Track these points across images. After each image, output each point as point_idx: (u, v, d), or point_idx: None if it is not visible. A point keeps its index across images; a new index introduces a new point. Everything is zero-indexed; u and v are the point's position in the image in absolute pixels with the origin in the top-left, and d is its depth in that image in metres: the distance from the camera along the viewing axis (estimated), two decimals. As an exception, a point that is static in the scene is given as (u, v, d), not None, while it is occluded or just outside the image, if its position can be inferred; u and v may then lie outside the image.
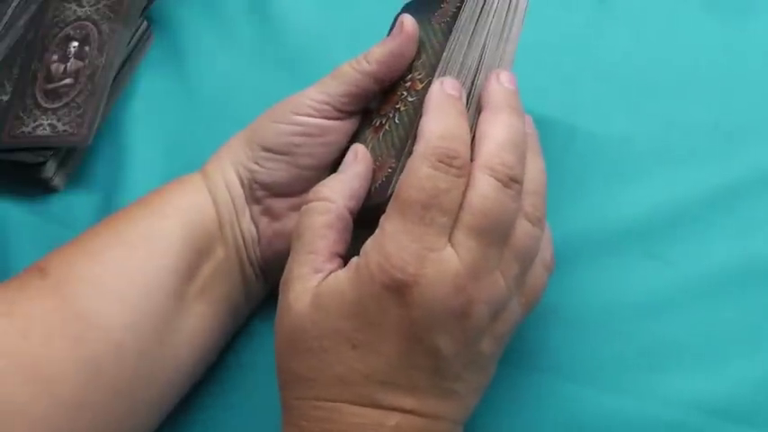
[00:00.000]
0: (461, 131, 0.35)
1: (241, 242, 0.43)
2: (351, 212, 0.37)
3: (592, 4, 0.52)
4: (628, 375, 0.42)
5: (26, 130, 0.51)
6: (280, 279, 0.42)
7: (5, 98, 0.54)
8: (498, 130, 0.35)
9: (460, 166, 0.34)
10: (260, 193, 0.43)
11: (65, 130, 0.51)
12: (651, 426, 0.41)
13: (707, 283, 0.44)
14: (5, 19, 0.57)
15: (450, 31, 0.39)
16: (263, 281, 0.44)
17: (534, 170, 0.37)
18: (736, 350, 0.42)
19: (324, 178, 0.39)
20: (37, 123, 0.52)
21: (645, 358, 0.42)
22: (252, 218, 0.43)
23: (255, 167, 0.42)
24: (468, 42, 0.38)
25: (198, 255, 0.41)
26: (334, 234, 0.36)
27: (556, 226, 0.45)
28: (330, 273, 0.35)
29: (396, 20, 0.42)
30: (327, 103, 0.42)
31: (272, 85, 0.53)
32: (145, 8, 0.55)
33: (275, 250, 0.43)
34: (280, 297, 0.36)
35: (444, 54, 0.38)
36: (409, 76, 0.41)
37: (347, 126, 0.42)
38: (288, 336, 0.35)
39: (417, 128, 0.36)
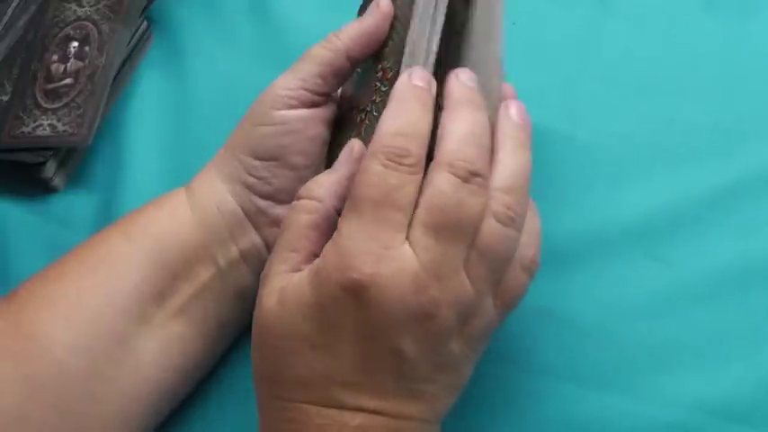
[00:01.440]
0: (418, 128, 0.34)
1: (238, 259, 0.42)
2: (338, 213, 0.36)
3: (592, 3, 0.52)
4: (628, 375, 0.42)
5: (26, 130, 0.51)
6: None
7: (5, 98, 0.54)
8: (457, 124, 0.34)
9: (412, 164, 0.33)
10: (263, 203, 0.42)
11: (65, 131, 0.51)
12: (651, 426, 0.41)
13: (707, 283, 0.44)
14: (5, 19, 0.57)
15: (409, 16, 0.38)
16: None
17: (511, 165, 0.35)
18: (736, 350, 0.42)
19: (316, 172, 0.39)
20: (37, 123, 0.51)
21: (645, 358, 0.42)
22: (258, 231, 0.42)
23: (251, 180, 0.41)
24: (430, 29, 0.37)
25: (171, 278, 0.41)
26: (317, 235, 0.36)
27: (556, 226, 0.45)
28: None
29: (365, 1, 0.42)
30: (303, 89, 0.40)
31: (272, 85, 0.53)
32: (145, 8, 0.55)
33: None
34: (259, 291, 0.36)
35: (408, 40, 0.37)
36: (379, 65, 0.40)
37: (326, 113, 0.42)
38: (258, 332, 0.35)
39: None
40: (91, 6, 0.55)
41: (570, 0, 0.53)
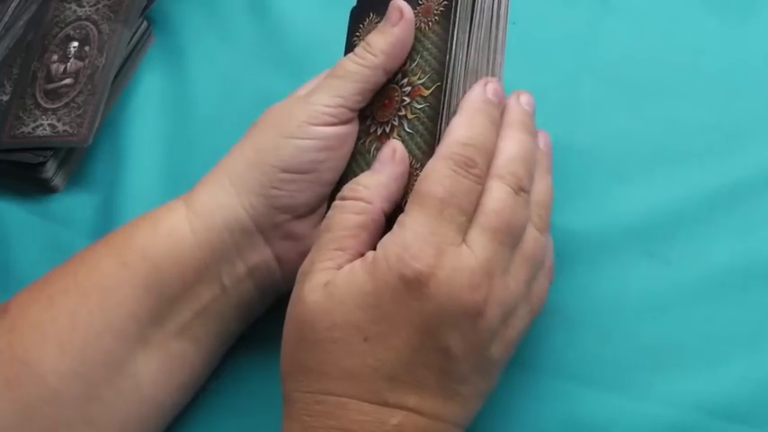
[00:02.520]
0: (487, 142, 0.36)
1: (246, 276, 0.41)
2: (385, 215, 0.37)
3: (592, 3, 0.52)
4: (628, 375, 0.42)
5: (26, 130, 0.52)
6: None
7: (5, 98, 0.54)
8: (513, 144, 0.37)
9: (478, 174, 0.35)
10: (281, 217, 0.40)
11: (65, 131, 0.51)
12: (651, 426, 0.41)
13: (707, 283, 0.44)
14: (5, 19, 0.57)
15: (445, 32, 0.39)
16: (269, 302, 0.43)
17: (542, 185, 0.39)
18: (736, 350, 0.42)
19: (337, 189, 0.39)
20: (37, 123, 0.52)
21: (645, 358, 0.42)
22: (270, 245, 0.41)
23: (274, 192, 0.40)
24: (468, 43, 0.38)
25: (169, 302, 0.40)
26: (365, 235, 0.36)
27: (556, 226, 0.45)
28: None
29: (386, 7, 0.41)
30: (343, 107, 0.40)
31: (272, 85, 0.53)
32: (145, 8, 0.55)
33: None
34: (294, 288, 0.36)
35: (449, 56, 0.38)
36: (405, 80, 0.40)
37: (356, 128, 0.42)
38: (298, 327, 0.35)
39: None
40: (91, 6, 0.55)
41: (570, 0, 0.53)
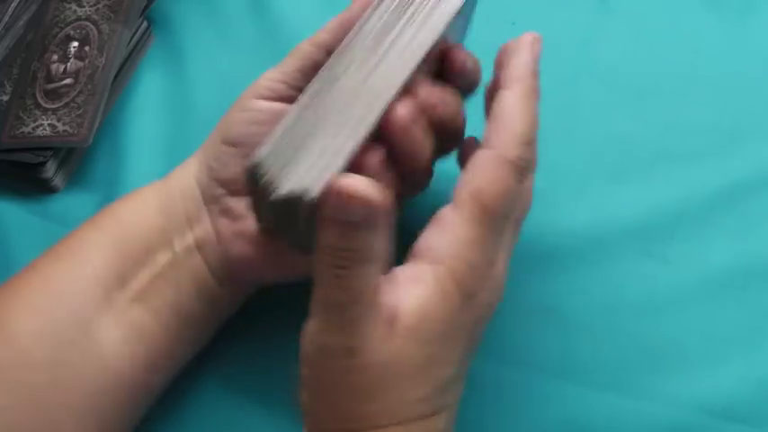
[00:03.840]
0: (536, 130, 0.35)
1: (194, 248, 0.41)
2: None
3: (592, 3, 0.52)
4: (628, 375, 0.42)
5: (26, 130, 0.51)
6: (245, 285, 0.42)
7: (5, 98, 0.54)
8: (525, 119, 0.35)
9: (528, 175, 0.36)
10: (218, 191, 0.41)
11: (65, 130, 0.51)
12: (651, 426, 0.41)
13: (707, 282, 0.44)
14: (5, 19, 0.57)
15: None
16: (230, 287, 0.42)
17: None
18: (736, 350, 0.42)
19: None
20: (37, 123, 0.52)
21: (645, 358, 0.42)
22: (211, 219, 0.42)
23: (214, 164, 0.41)
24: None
25: (132, 263, 0.40)
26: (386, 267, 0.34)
27: (555, 225, 0.45)
28: (398, 299, 0.33)
29: None
30: (282, 81, 0.41)
31: (272, 84, 0.53)
32: (145, 8, 0.55)
33: (236, 253, 0.41)
34: (334, 362, 0.33)
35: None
36: None
37: None
38: (367, 390, 0.33)
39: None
40: (91, 6, 0.55)
41: (570, 0, 0.53)
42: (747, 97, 0.48)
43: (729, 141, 0.47)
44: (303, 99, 0.36)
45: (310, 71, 0.40)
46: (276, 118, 0.39)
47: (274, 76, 0.41)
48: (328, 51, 0.40)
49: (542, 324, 0.44)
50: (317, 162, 0.35)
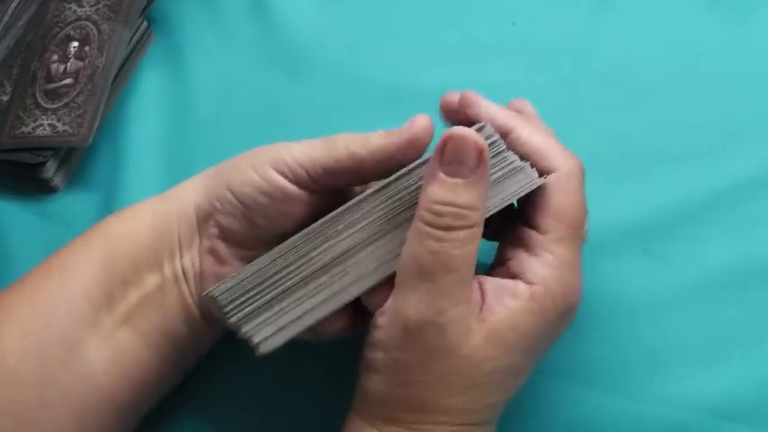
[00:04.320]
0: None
1: (181, 274, 0.41)
2: None
3: (592, 3, 0.52)
4: (628, 375, 0.42)
5: (26, 130, 0.51)
6: (219, 323, 0.40)
7: (5, 98, 0.54)
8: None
9: None
10: (213, 230, 0.40)
11: (65, 130, 0.51)
12: (651, 426, 0.41)
13: (707, 282, 0.44)
14: (5, 19, 0.57)
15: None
16: (211, 321, 0.41)
17: None
18: (736, 350, 0.42)
19: (276, 243, 0.37)
20: (37, 123, 0.51)
21: (645, 358, 0.42)
22: (198, 253, 0.40)
23: (216, 204, 0.39)
24: None
25: (121, 283, 0.40)
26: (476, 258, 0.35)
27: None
28: (485, 304, 0.35)
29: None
30: (304, 168, 0.38)
31: (272, 85, 0.53)
32: (145, 8, 0.55)
33: None
34: (419, 335, 0.33)
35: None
36: None
37: (314, 202, 0.39)
38: (449, 376, 0.34)
39: None
40: (91, 6, 0.55)
41: (570, 0, 0.53)
42: (748, 97, 0.48)
43: (729, 141, 0.47)
44: (286, 243, 0.36)
45: (332, 175, 0.38)
46: (288, 200, 0.38)
47: (300, 158, 0.38)
48: (361, 168, 0.37)
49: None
50: (281, 316, 0.36)
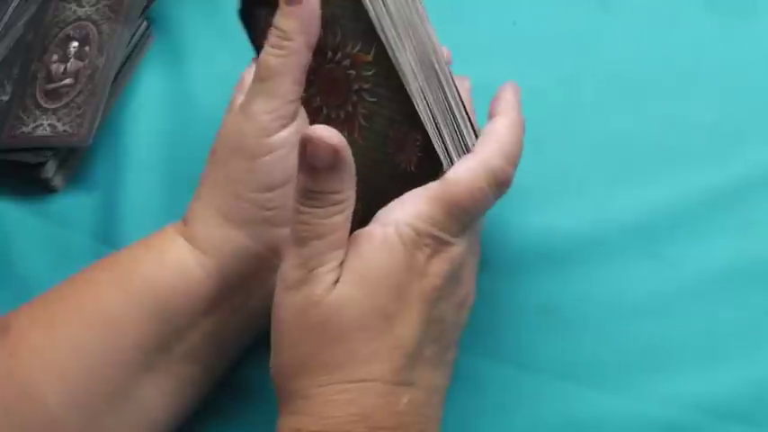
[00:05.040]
0: (519, 156, 0.37)
1: (257, 299, 0.40)
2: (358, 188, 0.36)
3: (592, 3, 0.52)
4: (628, 375, 0.42)
5: (26, 130, 0.51)
6: None
7: (5, 98, 0.54)
8: (512, 140, 0.37)
9: (505, 191, 0.37)
10: (284, 232, 0.38)
11: (65, 131, 0.51)
12: (651, 426, 0.41)
13: (707, 283, 0.44)
14: (5, 19, 0.57)
15: None
16: None
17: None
18: (736, 350, 0.42)
19: None
20: (37, 123, 0.52)
21: (645, 358, 0.42)
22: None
23: (269, 214, 0.39)
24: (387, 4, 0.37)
25: (175, 331, 0.39)
26: (349, 224, 0.35)
27: (555, 225, 0.45)
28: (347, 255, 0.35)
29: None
30: (285, 103, 0.39)
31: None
32: (145, 8, 0.55)
33: None
34: (294, 297, 0.35)
35: (372, 14, 0.36)
36: (338, 55, 0.38)
37: (305, 121, 0.40)
38: (317, 329, 0.34)
39: (412, 100, 0.37)
40: (91, 6, 0.55)
41: (570, 0, 0.53)
42: (748, 97, 0.48)
43: (729, 141, 0.47)
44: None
45: (303, 76, 0.39)
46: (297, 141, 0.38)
47: (272, 105, 0.38)
48: (308, 49, 0.38)
49: (542, 324, 0.44)
50: None
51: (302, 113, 0.40)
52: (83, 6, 0.55)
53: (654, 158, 0.47)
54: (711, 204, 0.45)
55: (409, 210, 0.35)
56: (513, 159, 0.37)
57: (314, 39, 0.38)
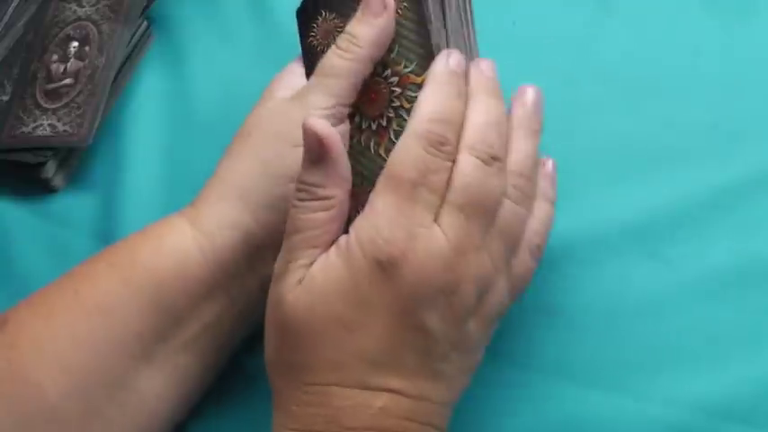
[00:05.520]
0: (455, 114, 0.35)
1: (256, 288, 0.41)
2: (350, 195, 0.36)
3: (592, 3, 0.52)
4: (628, 375, 0.42)
5: (26, 130, 0.52)
6: None
7: (5, 98, 0.54)
8: (478, 112, 0.36)
9: (449, 151, 0.35)
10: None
11: (65, 131, 0.51)
12: (651, 426, 0.41)
13: (707, 283, 0.44)
14: (5, 19, 0.57)
15: (422, 19, 0.38)
16: None
17: (521, 150, 0.37)
18: (736, 350, 0.42)
19: None
20: (37, 123, 0.52)
21: (645, 358, 0.42)
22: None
23: (286, 203, 0.38)
24: (444, 26, 0.38)
25: (174, 319, 0.39)
26: (335, 226, 0.36)
27: (556, 225, 0.45)
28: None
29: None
30: (340, 105, 0.39)
31: (272, 85, 0.53)
32: (145, 8, 0.55)
33: None
34: (271, 290, 0.36)
35: (435, 41, 0.38)
36: (388, 71, 0.39)
37: (348, 127, 0.40)
38: (280, 326, 0.35)
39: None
40: (91, 6, 0.55)
41: (570, 0, 0.53)
42: (747, 97, 0.48)
43: (729, 141, 0.47)
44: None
45: (359, 87, 0.39)
46: (344, 139, 0.39)
47: (330, 102, 0.39)
48: (372, 63, 0.39)
49: (543, 324, 0.44)
50: None
51: (347, 129, 0.40)
52: (83, 6, 0.55)
53: (654, 158, 0.47)
54: (711, 204, 0.45)
55: (367, 211, 0.34)
56: (444, 119, 0.35)
57: (381, 53, 0.39)
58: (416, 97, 0.38)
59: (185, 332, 0.40)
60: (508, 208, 0.36)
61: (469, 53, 0.39)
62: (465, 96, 0.36)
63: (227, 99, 0.54)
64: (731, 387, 0.41)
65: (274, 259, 0.39)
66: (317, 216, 0.35)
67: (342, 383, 0.34)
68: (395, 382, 0.34)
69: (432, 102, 0.35)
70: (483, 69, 0.38)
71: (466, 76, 0.37)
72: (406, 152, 0.34)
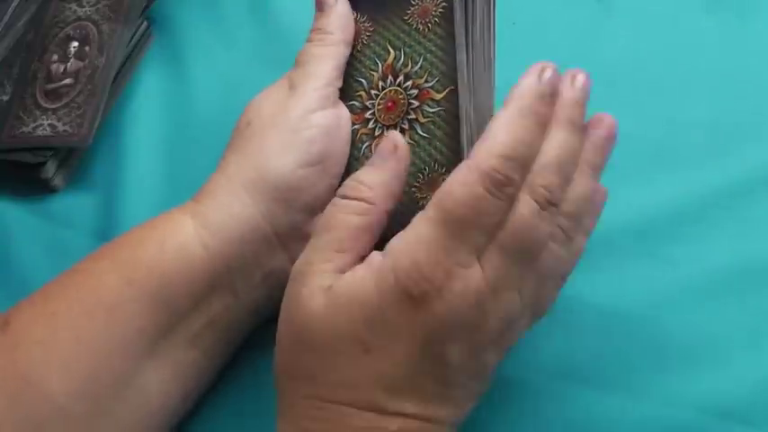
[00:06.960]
0: (529, 152, 0.33)
1: (259, 283, 0.41)
2: (387, 214, 0.36)
3: (592, 3, 0.52)
4: (628, 376, 0.42)
5: (26, 130, 0.51)
6: None
7: (5, 98, 0.54)
8: (552, 149, 0.33)
9: (512, 194, 0.33)
10: (299, 218, 0.40)
11: (65, 131, 0.51)
12: (652, 426, 0.41)
13: (707, 283, 0.44)
14: (5, 19, 0.57)
15: (449, 35, 0.39)
16: None
17: (578, 192, 0.35)
18: (736, 350, 0.42)
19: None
20: (37, 123, 0.52)
21: (645, 358, 0.42)
22: (287, 250, 0.41)
23: (292, 194, 0.39)
24: (467, 43, 0.38)
25: (178, 316, 0.39)
26: (367, 237, 0.35)
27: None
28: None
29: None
30: (328, 85, 0.41)
31: (272, 85, 0.53)
32: (145, 8, 0.55)
33: None
34: (290, 287, 0.35)
35: (459, 58, 0.38)
36: (409, 82, 0.40)
37: (347, 114, 0.42)
38: (297, 330, 0.34)
39: (468, 139, 0.37)
40: (91, 6, 0.55)
41: (570, 0, 0.53)
42: (747, 97, 0.48)
43: (729, 141, 0.47)
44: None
45: (342, 68, 0.42)
46: (340, 124, 0.41)
47: (320, 82, 0.41)
48: (346, 45, 0.42)
49: (543, 324, 0.43)
50: None
51: (346, 114, 0.42)
52: (83, 6, 0.55)
53: (654, 158, 0.47)
54: (712, 204, 0.45)
55: (409, 236, 0.33)
56: (513, 156, 0.32)
57: (350, 36, 0.42)
58: (433, 113, 0.38)
59: (189, 328, 0.40)
60: (552, 252, 0.34)
61: (488, 71, 0.38)
62: (546, 126, 0.33)
63: (226, 99, 0.54)
64: (731, 387, 0.41)
65: (280, 252, 0.40)
66: (350, 218, 0.35)
67: (355, 404, 0.33)
68: (409, 407, 0.34)
69: (506, 132, 0.32)
70: (577, 89, 0.35)
71: (553, 95, 0.34)
72: (465, 188, 0.32)
